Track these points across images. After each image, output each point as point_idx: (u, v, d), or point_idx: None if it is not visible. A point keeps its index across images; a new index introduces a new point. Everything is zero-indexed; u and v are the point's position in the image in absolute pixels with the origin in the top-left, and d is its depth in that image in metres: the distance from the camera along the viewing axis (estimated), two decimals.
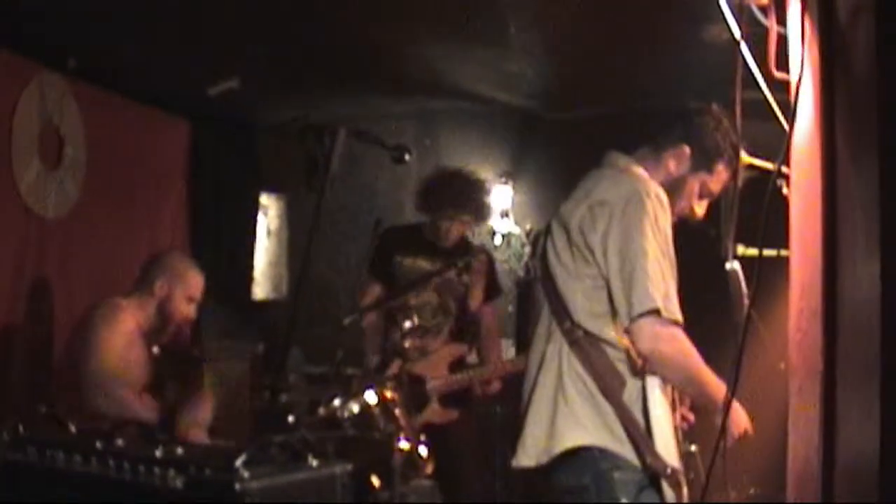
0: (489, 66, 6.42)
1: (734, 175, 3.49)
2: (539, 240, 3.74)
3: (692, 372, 3.33)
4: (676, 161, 3.57)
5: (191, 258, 5.46)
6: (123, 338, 4.84)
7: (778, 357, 3.54)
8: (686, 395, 3.50)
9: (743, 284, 3.35)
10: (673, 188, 3.56)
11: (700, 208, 3.68)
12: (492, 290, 6.18)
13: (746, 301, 3.16)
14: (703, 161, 3.58)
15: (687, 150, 3.57)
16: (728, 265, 3.37)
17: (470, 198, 5.91)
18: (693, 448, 4.15)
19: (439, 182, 5.99)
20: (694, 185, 3.61)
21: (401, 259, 6.00)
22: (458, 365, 5.91)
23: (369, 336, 5.91)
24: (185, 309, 5.08)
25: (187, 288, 5.08)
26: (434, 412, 5.74)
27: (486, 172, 7.32)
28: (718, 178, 3.62)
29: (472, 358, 6.13)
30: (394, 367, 5.41)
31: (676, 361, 3.30)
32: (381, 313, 5.91)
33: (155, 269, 5.03)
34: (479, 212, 6.02)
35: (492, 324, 6.16)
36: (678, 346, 3.29)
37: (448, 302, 6.00)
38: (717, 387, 3.30)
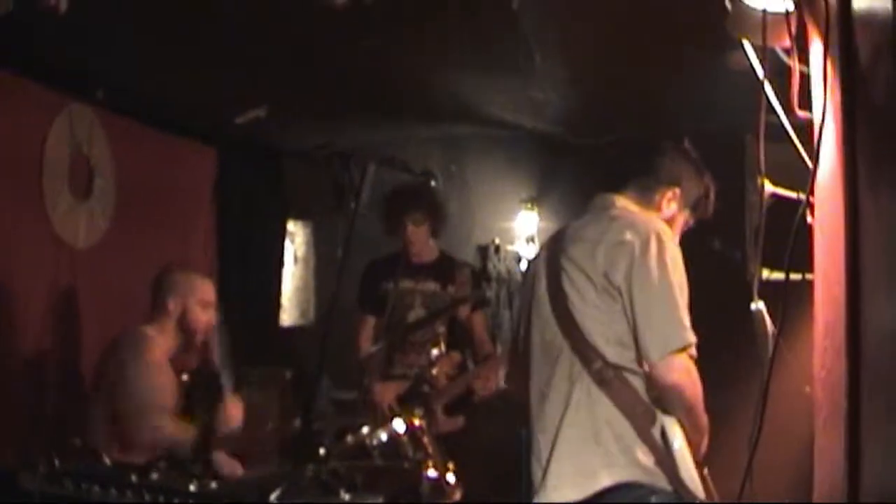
0: (515, 93, 6.46)
1: (760, 201, 3.54)
2: (531, 281, 3.77)
3: (698, 402, 3.43)
4: (668, 202, 3.74)
5: (192, 269, 5.42)
6: (153, 367, 4.85)
7: (803, 380, 3.55)
8: (685, 423, 3.50)
9: (768, 324, 3.38)
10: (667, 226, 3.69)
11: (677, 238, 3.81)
12: (478, 299, 6.36)
13: (772, 341, 3.18)
14: (689, 199, 3.78)
15: (678, 191, 3.75)
16: (753, 305, 3.41)
17: (415, 194, 5.94)
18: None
19: (387, 195, 6.00)
20: (681, 221, 3.78)
21: (386, 285, 6.10)
22: (459, 374, 6.07)
23: (374, 367, 5.97)
24: (204, 316, 5.03)
25: (199, 295, 5.03)
26: (441, 422, 5.78)
27: (511, 198, 7.36)
28: (700, 212, 3.83)
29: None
30: None
31: (692, 393, 3.40)
32: (379, 341, 5.99)
33: (163, 289, 5.00)
34: (431, 208, 6.12)
35: (482, 330, 6.33)
36: (695, 377, 3.40)
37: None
38: (704, 415, 3.47)
